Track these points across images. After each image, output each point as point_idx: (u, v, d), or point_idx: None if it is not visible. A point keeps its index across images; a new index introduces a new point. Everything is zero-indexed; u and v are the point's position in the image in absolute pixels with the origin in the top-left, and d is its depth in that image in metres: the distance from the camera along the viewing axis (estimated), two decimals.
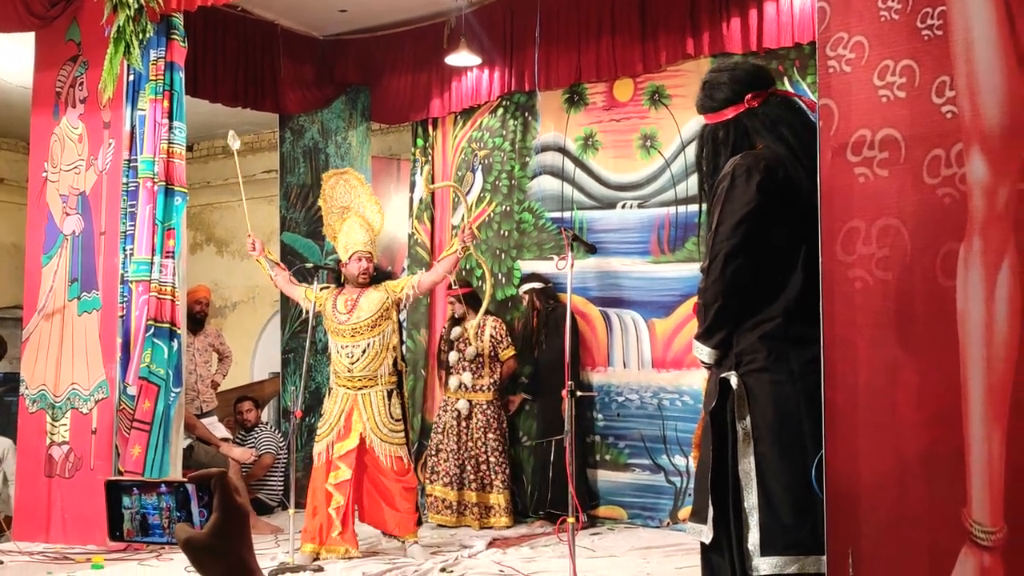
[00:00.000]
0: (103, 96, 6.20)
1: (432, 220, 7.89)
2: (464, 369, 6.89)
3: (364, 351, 5.64)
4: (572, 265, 5.15)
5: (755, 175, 2.71)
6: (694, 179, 6.59)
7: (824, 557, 2.48)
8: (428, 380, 7.70)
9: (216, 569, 1.13)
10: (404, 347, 7.88)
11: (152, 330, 6.06)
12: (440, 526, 6.73)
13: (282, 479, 7.50)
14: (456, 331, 6.96)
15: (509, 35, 7.22)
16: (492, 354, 6.92)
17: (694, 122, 6.63)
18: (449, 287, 6.97)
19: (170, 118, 6.19)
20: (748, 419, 2.67)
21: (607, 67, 6.89)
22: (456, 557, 5.68)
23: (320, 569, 5.31)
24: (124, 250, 6.17)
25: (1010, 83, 2.17)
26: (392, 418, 5.68)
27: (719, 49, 6.40)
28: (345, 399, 5.66)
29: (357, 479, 5.65)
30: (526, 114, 7.47)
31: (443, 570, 5.32)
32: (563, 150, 7.30)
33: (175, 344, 6.14)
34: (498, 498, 6.81)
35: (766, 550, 2.58)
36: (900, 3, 2.32)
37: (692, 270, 6.45)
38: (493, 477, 6.81)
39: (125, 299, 6.13)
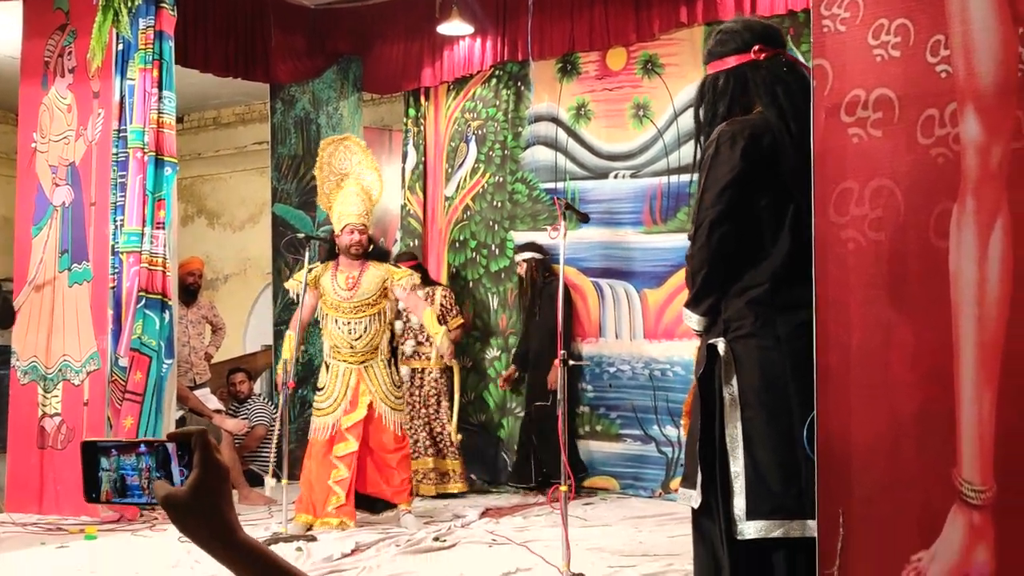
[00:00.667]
0: (92, 65, 6.14)
1: (424, 191, 7.87)
2: (409, 338, 6.89)
3: (366, 327, 5.65)
4: (565, 235, 5.14)
5: (739, 141, 2.71)
6: (687, 149, 6.59)
7: (809, 521, 2.49)
8: None
9: (197, 525, 1.13)
10: None
11: (143, 301, 6.03)
12: (423, 495, 6.76)
13: (275, 451, 7.50)
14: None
15: (502, 4, 7.18)
16: (440, 323, 6.96)
17: (686, 91, 6.61)
18: (398, 258, 6.94)
19: (160, 88, 6.14)
20: (735, 384, 2.68)
21: (600, 36, 6.85)
22: (449, 527, 5.70)
23: (313, 539, 5.32)
24: (114, 221, 6.14)
25: (1005, 42, 2.16)
26: (395, 386, 5.79)
27: (713, 17, 6.36)
28: (348, 372, 5.66)
29: (360, 450, 5.67)
30: (519, 84, 7.43)
31: (436, 539, 5.34)
32: (556, 120, 7.27)
33: (167, 315, 6.12)
34: (454, 463, 6.87)
35: (751, 514, 2.60)
36: None
37: (684, 240, 6.38)
38: (449, 443, 6.85)
39: (116, 270, 6.11)
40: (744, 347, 2.69)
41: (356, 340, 5.64)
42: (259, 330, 10.13)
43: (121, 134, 6.15)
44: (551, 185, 7.24)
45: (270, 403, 7.80)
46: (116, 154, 6.15)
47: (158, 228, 6.12)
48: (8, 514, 6.05)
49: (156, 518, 5.92)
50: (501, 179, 7.47)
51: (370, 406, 5.63)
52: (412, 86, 7.80)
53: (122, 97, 6.16)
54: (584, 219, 6.44)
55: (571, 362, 4.93)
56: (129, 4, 5.83)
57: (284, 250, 7.90)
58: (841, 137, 2.34)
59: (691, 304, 2.85)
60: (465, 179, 7.68)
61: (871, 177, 2.29)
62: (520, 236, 7.32)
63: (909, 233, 2.24)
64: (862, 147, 2.32)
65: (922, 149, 2.23)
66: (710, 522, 2.74)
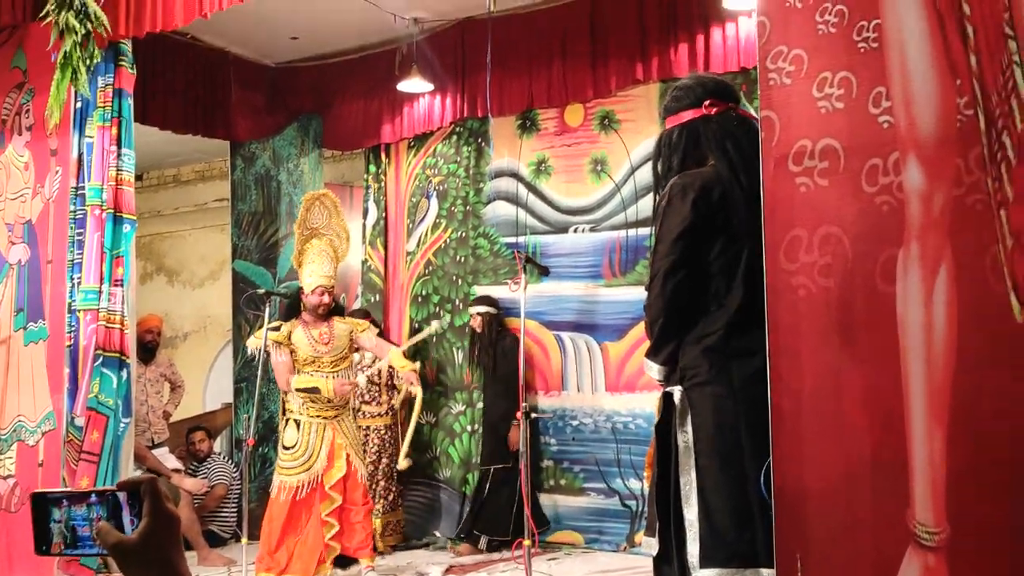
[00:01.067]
0: (49, 123, 6.13)
1: (385, 246, 7.89)
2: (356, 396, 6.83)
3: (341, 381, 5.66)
4: (525, 287, 5.17)
5: (690, 193, 2.78)
6: (644, 202, 6.68)
7: (763, 570, 2.51)
8: None
9: (146, 574, 1.12)
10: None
11: (101, 359, 5.96)
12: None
13: (235, 510, 7.40)
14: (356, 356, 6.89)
15: (461, 61, 7.27)
16: (389, 381, 6.96)
17: (643, 146, 6.71)
18: (350, 315, 6.94)
19: (118, 145, 6.13)
20: (690, 432, 2.70)
21: (558, 93, 6.95)
22: None
23: None
24: (72, 279, 6.08)
25: (943, 93, 2.23)
26: (360, 441, 5.86)
27: (667, 74, 6.48)
28: (320, 428, 5.61)
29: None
30: (479, 140, 7.50)
31: None
32: (516, 175, 7.34)
33: (124, 373, 6.05)
34: (386, 519, 6.85)
35: (706, 562, 2.60)
36: (837, 16, 2.38)
37: (643, 293, 6.48)
38: (380, 501, 6.84)
39: (73, 328, 6.04)
40: (699, 395, 2.72)
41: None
42: (219, 388, 10.02)
43: (79, 191, 6.12)
44: (512, 239, 7.29)
45: (230, 462, 7.69)
46: (74, 211, 6.11)
47: (116, 285, 6.07)
48: None
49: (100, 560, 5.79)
50: (463, 234, 7.51)
51: (348, 461, 5.60)
52: (372, 143, 7.85)
53: (80, 154, 6.15)
54: (544, 272, 6.50)
55: (533, 415, 4.92)
56: (88, 62, 5.84)
57: (244, 306, 7.86)
58: (789, 186, 2.39)
59: (651, 353, 2.91)
60: (427, 234, 7.71)
61: (819, 224, 2.34)
62: (483, 290, 7.34)
63: (857, 279, 2.29)
64: (809, 195, 2.37)
65: (867, 197, 2.29)
66: (669, 568, 2.75)
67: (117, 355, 6.02)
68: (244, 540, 5.46)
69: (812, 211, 2.36)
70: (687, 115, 2.96)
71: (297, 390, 5.59)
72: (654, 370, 2.89)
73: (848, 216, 2.31)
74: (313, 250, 5.83)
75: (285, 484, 5.58)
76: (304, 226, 5.92)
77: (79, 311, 6.03)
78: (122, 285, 6.08)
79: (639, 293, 6.60)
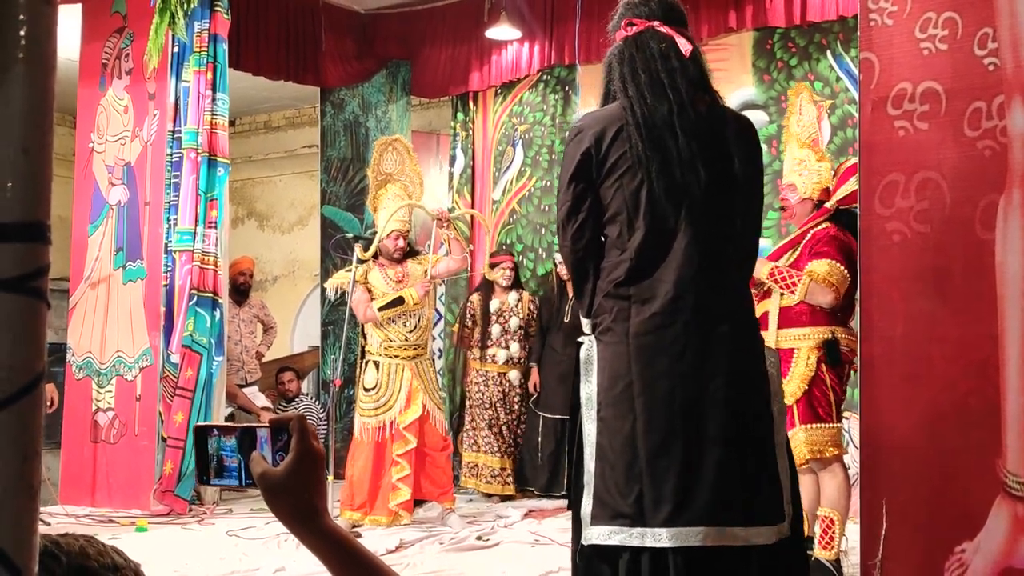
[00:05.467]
0: (148, 67, 6.29)
1: (472, 194, 7.93)
2: (512, 341, 6.92)
3: (419, 320, 5.73)
4: None
5: (583, 135, 2.56)
6: None
7: (649, 529, 2.37)
8: (468, 353, 7.75)
9: (286, 506, 1.14)
10: (444, 320, 7.96)
11: (195, 299, 6.15)
12: (487, 495, 6.78)
13: (323, 448, 7.58)
14: (496, 303, 6.97)
15: (549, 8, 7.21)
16: (525, 328, 6.98)
17: (736, 96, 6.59)
18: (495, 253, 7.03)
19: (213, 90, 6.27)
20: (593, 383, 2.54)
21: None
22: (492, 526, 5.73)
23: (358, 536, 5.38)
24: (168, 220, 6.27)
25: None
26: (439, 387, 5.88)
27: (762, 22, 6.35)
28: (399, 369, 5.69)
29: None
30: (566, 88, 7.46)
31: (479, 538, 5.37)
32: None
33: (217, 313, 6.24)
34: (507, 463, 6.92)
35: (595, 519, 2.46)
36: None
37: None
38: (516, 446, 6.92)
39: (169, 268, 6.24)
40: (601, 344, 2.55)
41: (411, 332, 5.70)
42: (307, 331, 10.25)
43: (176, 135, 6.29)
44: None
45: (317, 402, 7.89)
46: (170, 154, 6.29)
47: (210, 227, 6.24)
48: (62, 506, 6.18)
49: (204, 512, 6.02)
50: (548, 183, 7.50)
51: (424, 405, 5.68)
52: (460, 90, 7.86)
53: (177, 98, 6.30)
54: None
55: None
56: (185, 7, 5.96)
57: (332, 250, 8.00)
58: (887, 130, 2.35)
59: (577, 305, 2.71)
60: (512, 183, 7.73)
61: (917, 169, 2.30)
62: None
63: (954, 225, 2.25)
64: (908, 140, 2.32)
65: (969, 142, 2.23)
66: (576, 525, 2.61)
67: (210, 295, 6.20)
68: (330, 478, 5.60)
69: (910, 156, 2.31)
70: (616, 40, 2.69)
71: (380, 309, 5.65)
72: (585, 324, 2.66)
73: (948, 161, 2.26)
74: (387, 195, 5.89)
75: (367, 425, 5.68)
76: (378, 171, 5.98)
77: (175, 252, 6.22)
78: (216, 227, 6.25)
79: None
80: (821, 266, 4.00)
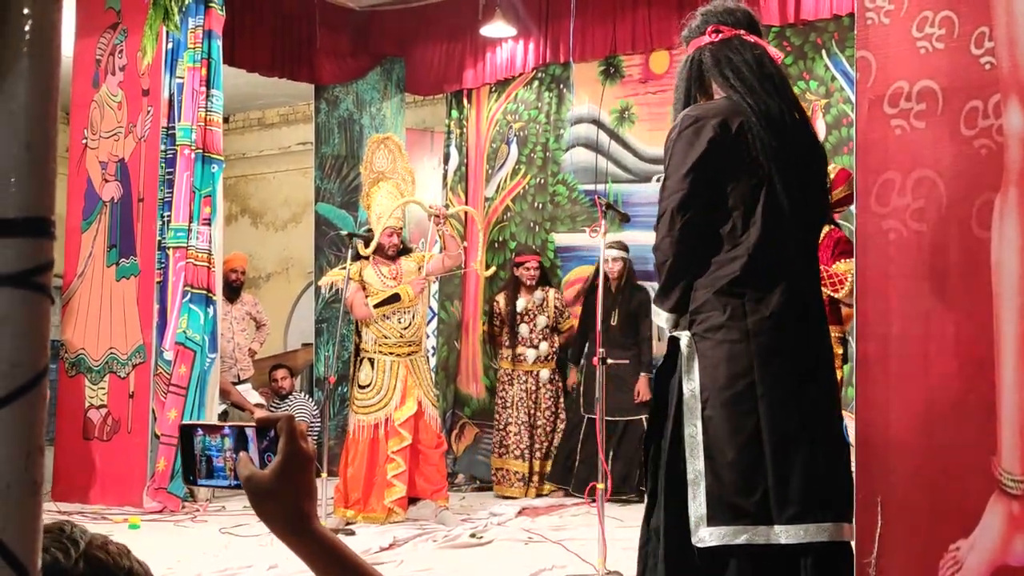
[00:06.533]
0: (142, 63, 6.27)
1: (466, 191, 7.92)
2: (540, 340, 6.90)
3: (413, 316, 5.74)
4: (605, 233, 5.14)
5: (703, 125, 2.53)
6: None
7: (775, 527, 2.37)
8: (461, 351, 7.75)
9: (274, 510, 1.10)
10: (437, 318, 7.95)
11: (189, 296, 6.14)
12: (509, 498, 6.74)
13: (315, 447, 7.58)
14: (522, 303, 6.93)
15: (544, 6, 7.22)
16: (553, 325, 6.96)
17: None
18: (520, 252, 6.99)
19: (207, 86, 6.25)
20: (696, 381, 2.50)
21: (643, 39, 6.86)
22: (486, 524, 5.73)
23: (352, 532, 5.38)
24: (162, 217, 6.26)
25: None
26: (434, 384, 5.89)
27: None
28: (395, 366, 5.70)
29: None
30: (561, 86, 7.47)
31: (473, 535, 5.37)
32: (598, 122, 7.29)
33: (211, 310, 6.23)
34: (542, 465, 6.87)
35: (712, 520, 2.42)
36: None
37: None
38: (552, 446, 6.87)
39: (162, 265, 6.22)
40: (709, 341, 2.50)
41: (406, 329, 5.71)
42: (300, 328, 10.25)
43: (170, 131, 6.27)
44: (590, 187, 7.26)
45: (310, 399, 7.88)
46: (164, 151, 6.27)
47: (204, 224, 6.22)
48: (54, 503, 6.17)
49: (197, 510, 6.01)
50: (542, 181, 7.50)
51: (419, 402, 5.69)
52: (454, 88, 7.86)
53: (171, 95, 6.28)
54: (625, 219, 6.39)
55: (609, 361, 4.86)
56: (179, 3, 5.95)
57: (327, 248, 8.00)
58: (884, 128, 2.35)
59: (659, 299, 2.64)
60: (506, 180, 7.73)
61: (913, 167, 2.30)
62: (560, 238, 7.34)
63: (951, 224, 2.25)
64: (905, 138, 2.33)
65: (965, 140, 2.24)
66: (647, 527, 2.61)
67: (204, 292, 6.19)
68: (324, 475, 5.60)
69: (907, 154, 2.32)
70: (692, 45, 2.73)
71: (376, 306, 5.66)
72: (662, 318, 2.64)
73: (944, 160, 2.27)
74: (380, 193, 5.90)
75: (362, 423, 5.69)
76: (370, 169, 5.99)
77: (169, 248, 6.20)
78: (210, 224, 6.24)
79: None
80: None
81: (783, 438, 2.40)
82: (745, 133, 2.52)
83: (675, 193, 2.54)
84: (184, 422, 1.25)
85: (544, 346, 6.90)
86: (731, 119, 2.53)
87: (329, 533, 1.12)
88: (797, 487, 2.37)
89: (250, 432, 1.14)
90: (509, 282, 7.10)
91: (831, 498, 2.40)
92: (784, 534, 2.36)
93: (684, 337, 2.54)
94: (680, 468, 2.48)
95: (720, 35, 2.65)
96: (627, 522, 5.87)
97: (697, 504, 2.44)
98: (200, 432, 1.19)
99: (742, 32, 2.67)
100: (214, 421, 6.18)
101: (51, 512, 5.91)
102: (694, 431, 2.47)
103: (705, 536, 2.42)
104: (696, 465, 2.45)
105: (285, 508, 1.10)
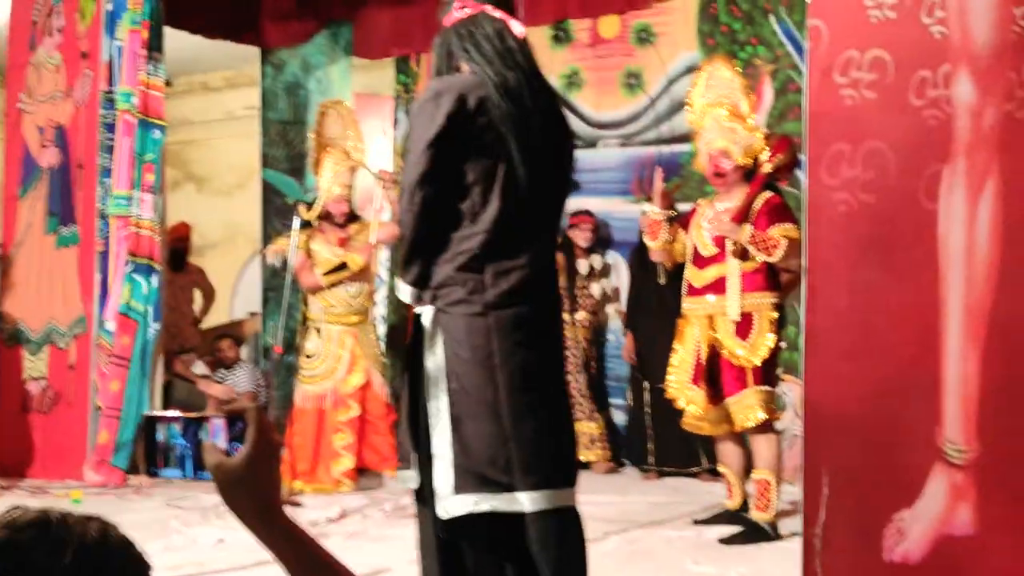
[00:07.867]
0: (80, 24, 6.09)
1: None
2: (590, 302, 6.72)
3: (362, 285, 5.68)
4: None
5: (444, 97, 2.51)
6: (679, 118, 6.56)
7: (517, 494, 2.41)
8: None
9: (241, 499, 1.10)
10: (386, 286, 7.88)
11: (131, 265, 6.00)
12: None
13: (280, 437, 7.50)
14: (584, 264, 6.75)
15: None
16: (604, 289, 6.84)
17: (680, 60, 6.58)
18: (575, 213, 6.71)
19: (149, 49, 6.08)
20: (439, 355, 2.52)
21: (593, 3, 6.79)
22: None
23: (298, 504, 5.33)
24: (103, 184, 6.10)
25: (1001, 3, 2.15)
26: (382, 353, 5.84)
27: None
28: (342, 336, 5.65)
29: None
30: None
31: None
32: None
33: (154, 280, 6.09)
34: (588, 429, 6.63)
35: (459, 489, 2.44)
36: None
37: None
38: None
39: (104, 234, 6.07)
40: (451, 316, 2.53)
41: (354, 298, 5.66)
42: (246, 297, 10.09)
43: (110, 96, 6.10)
44: None
45: (257, 369, 7.78)
46: (104, 116, 6.10)
47: (146, 192, 6.08)
48: None
49: (141, 485, 5.91)
50: None
51: (367, 372, 5.64)
52: (403, 52, 7.75)
53: (110, 58, 6.11)
54: (574, 187, 6.38)
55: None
56: None
57: (274, 216, 7.87)
58: (834, 98, 2.34)
59: (401, 272, 2.65)
60: None
61: (863, 138, 2.29)
62: None
63: (899, 195, 2.25)
64: (855, 109, 2.31)
65: (914, 111, 2.23)
66: (423, 504, 2.59)
67: (147, 261, 6.06)
68: None
69: (857, 125, 2.31)
70: (446, 22, 2.71)
71: (325, 274, 5.60)
72: (404, 292, 2.64)
73: (894, 130, 2.26)
74: (330, 159, 5.81)
75: (309, 392, 5.64)
76: (320, 135, 5.90)
77: (110, 217, 6.06)
78: (152, 192, 6.09)
79: None
80: (792, 231, 4.14)
81: (523, 408, 2.46)
82: (486, 107, 2.52)
83: (415, 167, 2.54)
84: (147, 413, 1.24)
85: (584, 313, 6.70)
86: (471, 93, 2.52)
87: (296, 526, 1.11)
88: (537, 454, 2.44)
89: (217, 421, 1.15)
90: (564, 243, 6.60)
91: (567, 464, 2.53)
92: (528, 500, 2.41)
93: (427, 312, 2.56)
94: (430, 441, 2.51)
95: (467, 11, 2.67)
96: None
97: (443, 474, 2.45)
98: (165, 421, 1.19)
99: (487, 7, 2.68)
100: (158, 393, 6.10)
101: None
102: (438, 405, 2.50)
103: (451, 506, 2.44)
104: (441, 439, 2.48)
105: (254, 498, 1.10)
